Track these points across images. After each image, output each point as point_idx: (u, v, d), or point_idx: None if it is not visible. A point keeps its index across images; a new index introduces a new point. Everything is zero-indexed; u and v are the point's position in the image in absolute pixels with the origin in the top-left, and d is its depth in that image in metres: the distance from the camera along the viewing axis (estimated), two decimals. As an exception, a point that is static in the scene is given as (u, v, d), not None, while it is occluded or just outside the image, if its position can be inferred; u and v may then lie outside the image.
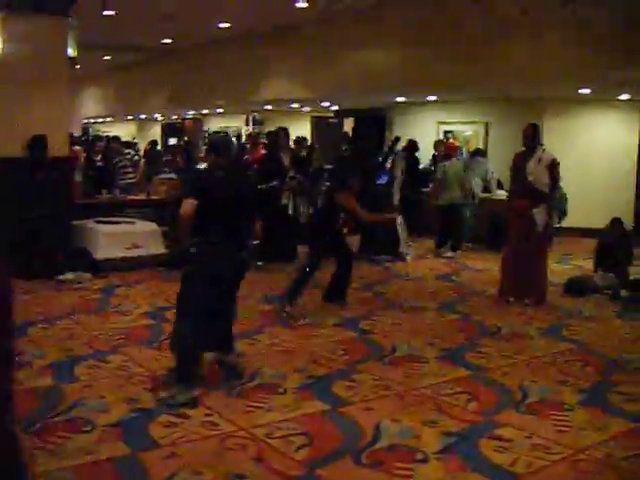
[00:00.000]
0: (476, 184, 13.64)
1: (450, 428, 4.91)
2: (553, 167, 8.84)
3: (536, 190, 8.79)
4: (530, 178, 8.80)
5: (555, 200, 9.08)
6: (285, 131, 11.90)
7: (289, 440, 4.63)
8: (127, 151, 14.89)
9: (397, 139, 13.87)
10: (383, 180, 12.87)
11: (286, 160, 11.57)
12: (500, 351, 6.89)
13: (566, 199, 13.86)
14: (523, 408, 5.37)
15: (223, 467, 4.18)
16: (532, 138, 9.00)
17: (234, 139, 23.33)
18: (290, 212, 11.52)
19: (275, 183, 11.05)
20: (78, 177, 11.71)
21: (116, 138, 15.27)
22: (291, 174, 11.46)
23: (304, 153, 13.88)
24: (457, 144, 14.92)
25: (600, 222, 10.89)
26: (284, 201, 11.34)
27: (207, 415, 5.03)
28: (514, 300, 9.00)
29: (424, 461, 4.36)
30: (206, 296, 5.55)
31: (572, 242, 14.04)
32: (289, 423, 4.92)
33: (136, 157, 14.75)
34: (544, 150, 9.07)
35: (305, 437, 4.68)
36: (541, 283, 9.11)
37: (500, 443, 4.66)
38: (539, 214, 8.78)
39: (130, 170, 13.58)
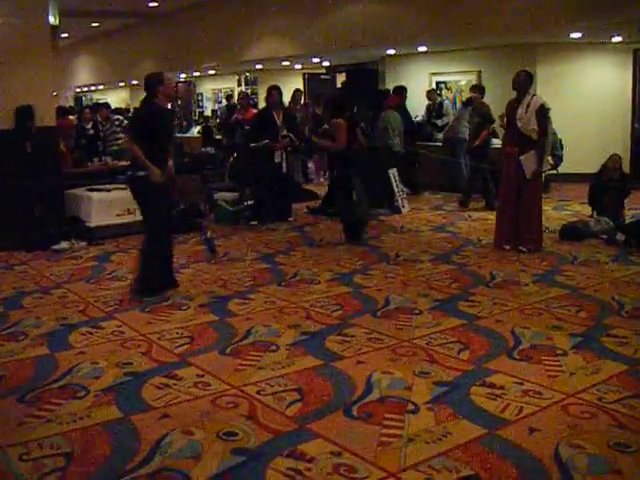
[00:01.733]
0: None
1: (442, 378, 4.92)
2: (541, 112, 8.71)
3: (524, 136, 8.72)
4: (519, 124, 8.73)
5: (546, 146, 8.91)
6: (277, 89, 11.81)
7: (280, 396, 4.64)
8: (116, 117, 14.86)
9: (387, 91, 13.79)
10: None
11: (278, 118, 11.50)
12: (493, 299, 6.89)
13: (562, 145, 13.81)
14: (515, 355, 5.37)
15: (214, 426, 4.19)
16: (521, 85, 8.89)
17: (224, 100, 23.27)
18: (284, 170, 11.48)
19: (266, 141, 11.01)
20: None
21: (105, 105, 15.24)
22: (283, 132, 11.40)
23: (299, 108, 13.80)
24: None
25: (596, 167, 10.84)
26: (277, 159, 11.29)
27: (199, 376, 5.04)
28: (509, 248, 9.00)
29: (415, 411, 4.37)
30: None
31: (568, 188, 14.03)
32: (281, 379, 4.94)
33: (125, 122, 14.68)
34: (534, 96, 8.94)
35: (297, 393, 4.70)
36: (536, 230, 9.07)
37: (491, 390, 4.67)
38: (527, 160, 8.71)
39: (120, 136, 13.56)
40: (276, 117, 11.47)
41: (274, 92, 11.63)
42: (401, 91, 14.31)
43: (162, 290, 7.26)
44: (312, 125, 15.64)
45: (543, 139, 8.77)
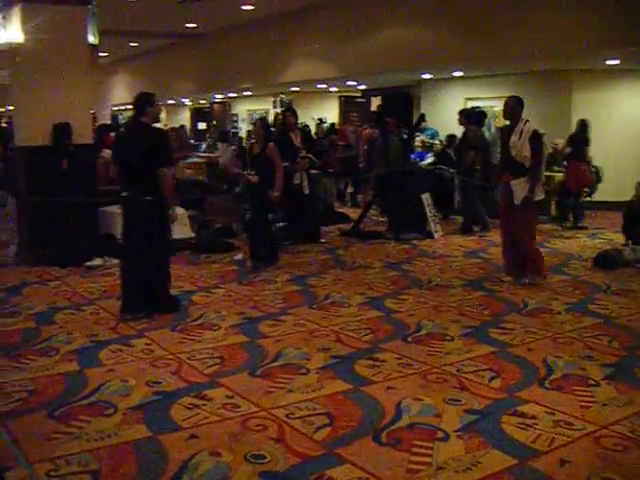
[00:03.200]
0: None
1: (472, 406, 4.87)
2: (535, 139, 8.44)
3: (518, 164, 8.45)
4: (512, 152, 8.49)
5: (539, 173, 8.71)
6: (291, 111, 11.91)
7: (309, 420, 4.62)
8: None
9: (422, 116, 13.79)
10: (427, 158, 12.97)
11: (296, 140, 11.51)
12: (525, 327, 6.82)
13: (597, 172, 13.70)
14: (547, 384, 5.30)
15: (242, 448, 4.18)
16: (512, 112, 8.64)
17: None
18: (306, 192, 11.44)
19: (286, 164, 11.00)
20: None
21: None
22: (302, 154, 11.42)
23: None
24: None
25: (631, 195, 10.74)
26: (296, 181, 11.24)
27: (228, 397, 5.04)
28: (510, 280, 8.80)
29: (444, 439, 4.33)
30: None
31: (603, 216, 13.91)
32: (310, 403, 4.92)
33: None
34: (527, 122, 8.60)
35: (326, 417, 4.67)
36: (532, 258, 8.71)
37: (522, 420, 4.62)
38: (517, 186, 8.41)
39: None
40: (294, 139, 11.49)
41: (289, 115, 11.70)
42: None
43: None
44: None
45: (536, 166, 8.53)
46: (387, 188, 12.49)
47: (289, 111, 11.87)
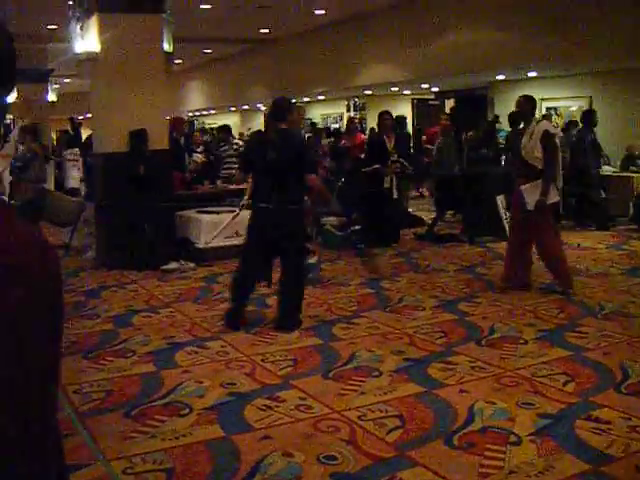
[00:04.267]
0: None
1: (546, 410, 4.83)
2: (547, 139, 7.94)
3: (529, 166, 8.05)
4: (522, 153, 8.12)
5: (553, 174, 8.03)
6: (389, 114, 11.86)
7: (382, 422, 4.64)
8: (235, 141, 14.67)
9: (496, 117, 13.67)
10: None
11: (390, 143, 11.54)
12: (601, 330, 6.71)
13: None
14: (623, 389, 5.22)
15: (314, 449, 4.23)
16: (523, 112, 8.31)
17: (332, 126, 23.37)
18: (395, 196, 11.51)
19: (377, 166, 11.05)
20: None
21: (225, 127, 15.34)
22: (394, 157, 11.44)
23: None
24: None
25: None
26: (386, 185, 11.30)
27: (301, 399, 5.09)
28: (503, 287, 8.42)
29: (517, 443, 4.30)
30: None
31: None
32: (382, 405, 4.93)
33: (241, 149, 14.56)
34: (539, 122, 8.25)
35: (398, 419, 4.69)
36: (555, 268, 8.29)
37: (597, 425, 4.55)
38: (528, 190, 7.97)
39: (235, 160, 13.64)
40: (388, 142, 11.52)
41: (387, 117, 11.69)
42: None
43: None
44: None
45: (549, 167, 7.99)
46: (460, 190, 12.41)
47: (387, 114, 11.80)
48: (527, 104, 8.23)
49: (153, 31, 10.12)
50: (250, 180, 7.54)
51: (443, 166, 13.16)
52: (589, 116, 12.90)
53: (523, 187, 8.03)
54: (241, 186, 12.34)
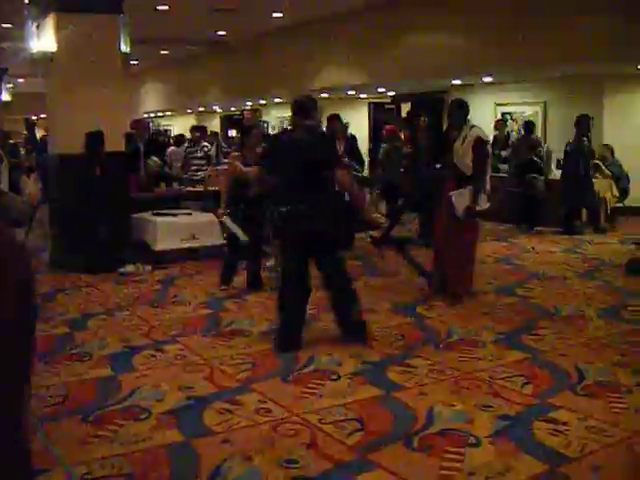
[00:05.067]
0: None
1: (504, 412, 4.86)
2: (479, 146, 7.87)
3: (459, 171, 7.99)
4: (454, 159, 8.04)
5: (482, 181, 7.94)
6: (338, 117, 11.83)
7: (342, 425, 4.64)
8: (204, 143, 14.20)
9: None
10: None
11: (340, 147, 11.51)
12: (557, 333, 6.78)
13: (628, 179, 13.60)
14: (579, 390, 5.28)
15: (274, 453, 4.21)
16: (454, 115, 8.25)
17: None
18: (346, 199, 11.46)
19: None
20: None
21: (201, 128, 15.20)
22: (345, 161, 11.41)
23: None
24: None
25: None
26: (337, 188, 11.24)
27: (261, 402, 5.07)
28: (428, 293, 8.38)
29: (476, 445, 4.33)
30: None
31: (635, 221, 13.79)
32: (342, 409, 4.93)
33: (212, 152, 14.35)
34: (472, 127, 8.08)
35: (358, 422, 4.69)
36: (461, 278, 8.19)
37: (554, 426, 4.60)
38: (458, 197, 7.87)
39: (203, 163, 13.50)
40: (338, 145, 11.49)
41: (335, 120, 11.67)
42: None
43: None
44: None
45: (478, 174, 7.90)
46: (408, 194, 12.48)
47: (336, 117, 11.75)
48: (458, 107, 8.22)
49: (110, 31, 10.03)
50: (220, 187, 7.28)
51: (388, 171, 13.20)
52: (584, 122, 12.89)
53: (453, 193, 7.95)
54: (199, 189, 12.35)
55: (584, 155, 12.70)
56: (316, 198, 6.35)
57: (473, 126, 8.14)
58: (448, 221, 8.05)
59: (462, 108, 8.22)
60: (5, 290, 0.92)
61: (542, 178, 13.37)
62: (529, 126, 14.05)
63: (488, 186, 8.13)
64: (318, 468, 4.04)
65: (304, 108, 6.64)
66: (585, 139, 12.80)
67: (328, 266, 6.53)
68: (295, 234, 6.42)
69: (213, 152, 14.55)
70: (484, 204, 8.02)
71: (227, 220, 8.32)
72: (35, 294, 1.03)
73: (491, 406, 4.97)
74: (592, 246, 11.77)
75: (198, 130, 14.60)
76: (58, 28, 9.69)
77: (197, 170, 13.25)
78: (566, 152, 12.96)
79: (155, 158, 13.05)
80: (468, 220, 7.98)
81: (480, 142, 7.92)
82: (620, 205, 13.49)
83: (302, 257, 6.45)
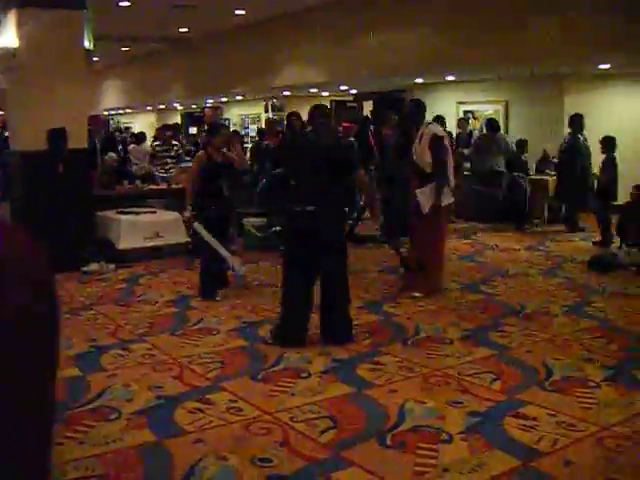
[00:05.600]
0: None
1: (474, 408, 4.90)
2: (435, 143, 7.97)
3: (420, 170, 8.08)
4: (414, 157, 8.15)
5: (443, 177, 8.03)
6: (297, 115, 11.86)
7: (314, 423, 4.64)
8: (175, 143, 14.43)
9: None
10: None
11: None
12: (523, 330, 6.86)
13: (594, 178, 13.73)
14: (547, 386, 5.34)
15: (248, 452, 4.20)
16: (411, 116, 8.40)
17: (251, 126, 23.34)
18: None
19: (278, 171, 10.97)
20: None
21: (175, 126, 15.19)
22: None
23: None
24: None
25: (626, 198, 10.82)
26: None
27: (232, 401, 5.06)
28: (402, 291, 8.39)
29: (448, 441, 4.36)
30: None
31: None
32: (313, 407, 4.94)
33: (180, 150, 14.36)
34: (429, 125, 8.26)
35: (330, 420, 4.70)
36: (432, 271, 8.25)
37: (524, 421, 4.65)
38: (423, 194, 7.96)
39: (172, 163, 13.56)
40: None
41: (294, 119, 11.68)
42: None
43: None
44: None
45: (439, 170, 8.00)
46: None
47: (295, 116, 11.74)
48: (414, 107, 8.40)
49: (73, 27, 9.90)
50: (184, 184, 7.21)
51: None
52: (577, 121, 12.90)
53: (418, 191, 8.03)
54: (162, 187, 12.28)
55: (581, 153, 12.68)
56: (328, 200, 6.37)
57: (429, 124, 8.28)
58: (416, 219, 8.13)
59: (419, 107, 8.38)
60: (17, 290, 0.91)
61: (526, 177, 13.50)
62: (492, 124, 14.14)
63: (452, 181, 8.25)
64: (292, 466, 4.04)
65: (322, 112, 6.74)
66: (580, 137, 12.79)
67: (332, 270, 6.50)
68: (303, 237, 6.39)
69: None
70: (448, 199, 8.15)
71: (200, 229, 8.21)
72: (55, 293, 1.01)
73: (461, 402, 5.01)
74: (554, 244, 11.88)
75: (170, 129, 14.63)
76: (20, 24, 9.55)
77: (170, 169, 13.28)
78: (561, 151, 12.96)
79: (113, 154, 12.97)
80: (433, 218, 8.03)
81: (436, 139, 8.01)
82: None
83: (308, 258, 6.41)
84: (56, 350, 0.96)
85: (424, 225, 8.10)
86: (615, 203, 11.53)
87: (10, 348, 0.88)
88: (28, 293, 0.93)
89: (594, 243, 11.47)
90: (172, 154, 13.81)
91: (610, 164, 11.66)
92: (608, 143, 11.70)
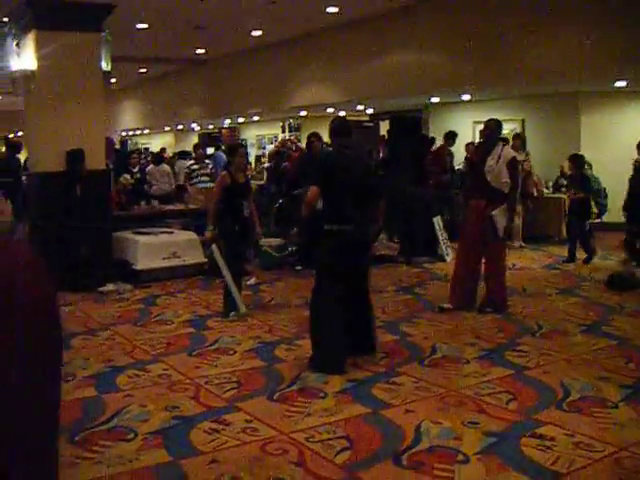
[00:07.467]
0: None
1: (491, 428, 4.88)
2: (513, 166, 8.17)
3: (493, 189, 8.16)
4: (488, 177, 8.17)
5: (514, 200, 8.37)
6: (317, 137, 11.85)
7: (329, 444, 4.63)
8: (207, 161, 15.09)
9: (432, 139, 13.82)
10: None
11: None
12: (540, 349, 6.82)
13: (606, 195, 13.71)
14: (565, 406, 5.31)
15: (263, 472, 4.20)
16: (492, 134, 8.40)
17: (268, 146, 23.42)
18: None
19: (300, 191, 10.96)
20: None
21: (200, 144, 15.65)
22: None
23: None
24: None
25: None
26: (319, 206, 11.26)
27: (247, 421, 5.05)
28: (451, 307, 8.46)
29: (465, 462, 4.34)
30: None
31: (613, 237, 13.87)
32: (329, 427, 4.92)
33: (214, 170, 14.66)
34: (504, 146, 8.40)
35: (346, 440, 4.68)
36: (499, 289, 8.45)
37: (541, 442, 4.62)
38: (499, 216, 8.11)
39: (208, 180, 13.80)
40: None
41: (314, 139, 11.68)
42: None
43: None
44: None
45: (514, 193, 8.30)
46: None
47: (315, 137, 11.76)
48: (497, 127, 8.43)
49: (91, 49, 10.02)
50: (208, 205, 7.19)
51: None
52: None
53: (494, 212, 8.13)
54: (180, 207, 12.33)
55: None
56: (362, 220, 6.43)
57: (504, 144, 8.50)
58: (490, 238, 8.22)
59: (500, 127, 8.50)
60: (16, 307, 0.92)
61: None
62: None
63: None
64: (308, 487, 4.03)
65: (345, 127, 6.80)
66: None
67: (361, 287, 6.59)
68: (341, 256, 6.34)
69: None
70: (517, 221, 8.57)
71: (217, 254, 8.26)
72: (57, 309, 1.03)
73: (478, 423, 4.98)
74: (573, 264, 11.80)
75: (200, 147, 15.27)
76: (38, 46, 9.66)
77: (208, 181, 13.72)
78: (636, 169, 12.44)
79: (127, 176, 13.06)
80: (503, 236, 8.34)
81: (515, 162, 8.33)
82: (598, 221, 13.56)
83: (345, 278, 6.38)
84: (58, 363, 0.97)
85: (493, 246, 8.31)
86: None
87: (13, 358, 0.90)
88: (30, 308, 0.95)
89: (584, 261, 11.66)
90: (208, 171, 14.26)
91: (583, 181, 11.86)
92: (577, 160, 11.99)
